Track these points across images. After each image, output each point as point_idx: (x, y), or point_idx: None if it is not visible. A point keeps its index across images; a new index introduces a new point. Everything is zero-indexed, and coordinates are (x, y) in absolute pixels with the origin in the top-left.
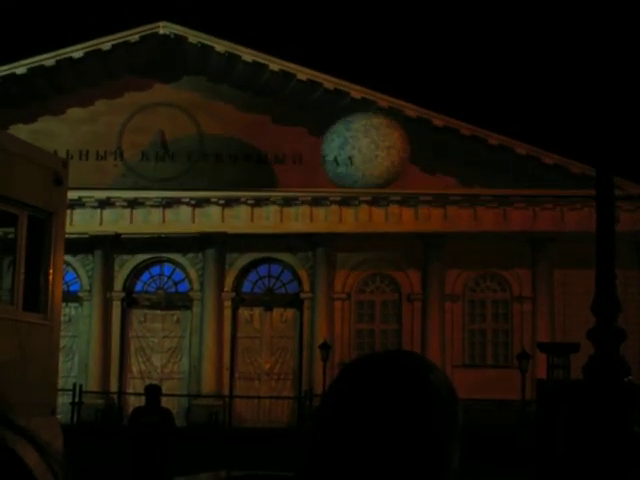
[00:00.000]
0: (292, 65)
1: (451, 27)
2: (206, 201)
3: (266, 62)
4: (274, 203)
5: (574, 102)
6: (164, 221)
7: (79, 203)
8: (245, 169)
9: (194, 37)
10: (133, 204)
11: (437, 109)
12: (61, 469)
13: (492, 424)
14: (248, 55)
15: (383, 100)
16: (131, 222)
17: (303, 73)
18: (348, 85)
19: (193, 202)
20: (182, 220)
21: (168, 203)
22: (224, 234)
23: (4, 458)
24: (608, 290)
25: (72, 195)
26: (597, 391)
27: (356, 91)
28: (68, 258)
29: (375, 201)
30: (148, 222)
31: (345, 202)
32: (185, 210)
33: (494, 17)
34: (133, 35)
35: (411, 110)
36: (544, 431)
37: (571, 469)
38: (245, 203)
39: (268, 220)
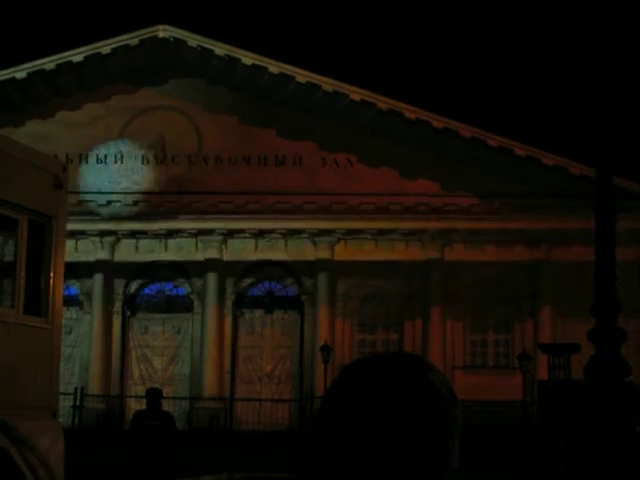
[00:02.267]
0: (291, 68)
1: (450, 29)
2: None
3: (265, 65)
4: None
5: (574, 102)
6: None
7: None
8: (245, 172)
9: (193, 40)
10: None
11: (436, 111)
12: (53, 475)
13: (494, 425)
14: (247, 58)
15: (382, 102)
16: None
17: (302, 76)
18: (347, 87)
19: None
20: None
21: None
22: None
23: None
24: (608, 290)
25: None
26: (598, 391)
27: (355, 93)
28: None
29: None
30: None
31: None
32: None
33: (494, 18)
34: (133, 39)
35: (410, 112)
36: (546, 431)
37: (573, 469)
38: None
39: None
